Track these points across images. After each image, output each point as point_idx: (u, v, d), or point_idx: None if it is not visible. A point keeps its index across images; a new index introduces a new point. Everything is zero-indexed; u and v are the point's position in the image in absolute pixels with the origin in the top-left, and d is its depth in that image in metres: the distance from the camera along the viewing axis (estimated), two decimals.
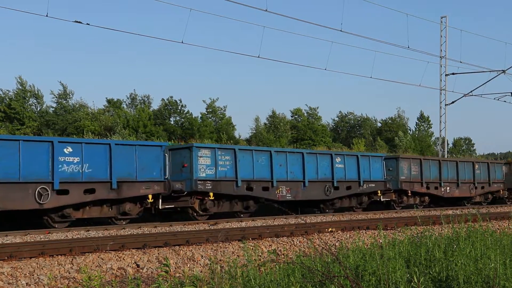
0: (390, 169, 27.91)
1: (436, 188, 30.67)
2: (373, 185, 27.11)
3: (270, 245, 13.32)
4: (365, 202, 27.31)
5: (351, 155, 26.93)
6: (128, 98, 54.11)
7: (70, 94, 48.37)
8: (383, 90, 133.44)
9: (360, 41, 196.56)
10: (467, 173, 32.71)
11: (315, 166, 24.80)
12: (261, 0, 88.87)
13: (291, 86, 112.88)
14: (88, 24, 19.16)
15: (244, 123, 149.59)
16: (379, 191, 27.33)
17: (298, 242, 13.90)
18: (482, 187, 33.88)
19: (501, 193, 35.27)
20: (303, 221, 19.67)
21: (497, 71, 38.26)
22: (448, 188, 31.19)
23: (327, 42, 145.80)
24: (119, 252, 11.54)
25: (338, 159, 25.75)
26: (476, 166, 33.52)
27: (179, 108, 50.62)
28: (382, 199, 27.72)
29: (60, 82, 57.46)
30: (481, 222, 12.30)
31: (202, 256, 11.78)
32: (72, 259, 10.66)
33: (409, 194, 29.03)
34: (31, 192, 16.98)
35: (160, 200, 20.04)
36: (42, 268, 9.90)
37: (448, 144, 43.66)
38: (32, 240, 13.88)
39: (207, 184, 21.01)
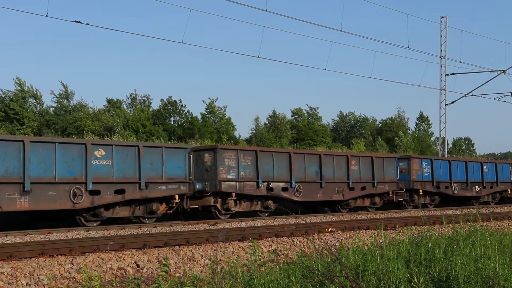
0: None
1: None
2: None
3: (270, 245, 13.31)
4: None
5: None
6: (128, 98, 54.17)
7: (71, 94, 48.43)
8: (383, 90, 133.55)
9: (360, 41, 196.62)
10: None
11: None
12: (261, 0, 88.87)
13: (291, 86, 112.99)
14: (88, 24, 19.19)
15: (244, 123, 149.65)
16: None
17: (298, 242, 13.90)
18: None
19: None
20: (303, 221, 19.67)
21: (497, 71, 38.27)
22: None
23: (327, 42, 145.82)
24: (119, 252, 11.54)
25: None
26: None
27: (179, 108, 50.62)
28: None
29: (61, 82, 57.48)
30: (481, 222, 12.30)
31: (202, 256, 11.77)
32: (72, 259, 10.66)
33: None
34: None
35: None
36: (42, 268, 9.89)
37: (448, 144, 43.63)
38: (32, 240, 13.88)
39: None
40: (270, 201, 23.58)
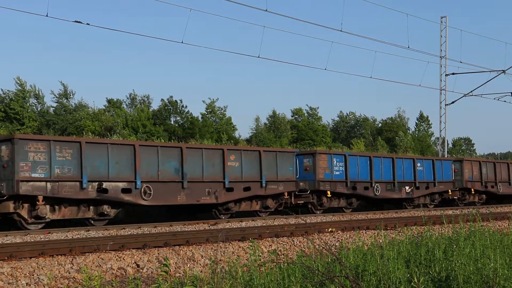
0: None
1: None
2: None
3: (270, 245, 13.31)
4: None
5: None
6: (128, 98, 54.17)
7: (71, 94, 48.46)
8: (383, 90, 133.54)
9: (360, 41, 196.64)
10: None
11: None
12: (261, 0, 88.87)
13: (291, 86, 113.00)
14: (88, 24, 19.19)
15: (244, 123, 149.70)
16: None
17: (298, 242, 13.90)
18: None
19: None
20: (303, 221, 19.67)
21: (497, 71, 38.29)
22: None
23: (327, 42, 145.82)
24: (119, 252, 11.54)
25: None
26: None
27: (179, 108, 50.63)
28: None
29: (61, 82, 57.47)
30: (481, 222, 12.31)
31: (202, 256, 11.78)
32: (72, 259, 10.66)
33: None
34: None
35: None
36: (42, 268, 9.89)
37: (448, 144, 43.63)
38: (32, 240, 13.88)
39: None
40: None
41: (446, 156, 39.61)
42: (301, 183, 24.36)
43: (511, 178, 35.19)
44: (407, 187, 29.04)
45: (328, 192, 25.18)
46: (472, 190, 32.32)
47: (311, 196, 24.73)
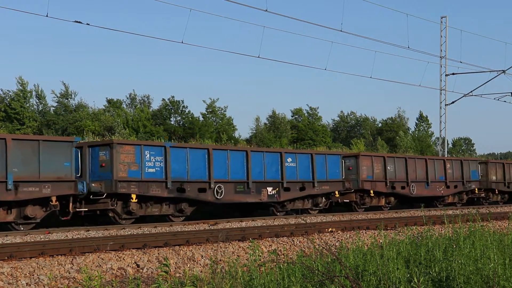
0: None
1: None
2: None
3: (270, 245, 13.32)
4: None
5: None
6: (128, 98, 54.17)
7: (72, 94, 48.49)
8: (383, 90, 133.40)
9: (360, 41, 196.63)
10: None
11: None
12: (261, 0, 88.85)
13: (291, 86, 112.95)
14: (88, 24, 19.20)
15: (244, 123, 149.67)
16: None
17: (298, 242, 13.90)
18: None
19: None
20: (303, 221, 19.68)
21: (497, 71, 38.26)
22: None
23: (327, 42, 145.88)
24: (119, 252, 11.54)
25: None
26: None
27: (180, 108, 50.64)
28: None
29: (62, 82, 57.48)
30: (481, 222, 12.30)
31: (202, 256, 11.78)
32: (72, 259, 10.66)
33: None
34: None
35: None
36: (42, 268, 9.90)
37: (448, 144, 43.64)
38: (32, 240, 13.88)
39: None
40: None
41: (446, 156, 39.65)
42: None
43: None
44: (269, 188, 27.65)
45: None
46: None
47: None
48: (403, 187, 29.24)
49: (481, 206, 31.11)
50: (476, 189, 32.95)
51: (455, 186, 32.07)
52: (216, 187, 21.22)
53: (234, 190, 21.94)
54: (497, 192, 34.34)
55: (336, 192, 25.93)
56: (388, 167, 28.39)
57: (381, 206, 28.40)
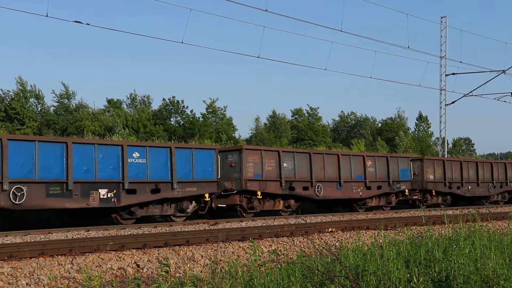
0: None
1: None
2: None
3: (270, 245, 13.32)
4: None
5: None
6: (128, 98, 54.16)
7: (73, 95, 48.49)
8: (383, 90, 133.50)
9: (360, 41, 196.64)
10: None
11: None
12: (261, 0, 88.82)
13: (291, 86, 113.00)
14: (88, 24, 19.19)
15: (244, 123, 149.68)
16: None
17: (298, 242, 13.90)
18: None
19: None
20: (303, 221, 19.68)
21: (497, 71, 38.24)
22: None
23: (327, 42, 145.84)
24: (119, 252, 11.54)
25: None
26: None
27: (181, 108, 50.65)
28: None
29: (62, 82, 57.47)
30: (481, 222, 12.31)
31: (202, 256, 11.78)
32: (72, 259, 10.66)
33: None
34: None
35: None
36: (42, 268, 9.90)
37: (448, 144, 43.61)
38: (32, 240, 13.88)
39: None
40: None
41: (446, 156, 39.65)
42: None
43: None
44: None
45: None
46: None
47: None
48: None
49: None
50: (407, 190, 28.90)
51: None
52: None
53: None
54: (434, 194, 30.49)
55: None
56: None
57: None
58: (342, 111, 69.84)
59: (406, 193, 28.68)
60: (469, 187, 32.23)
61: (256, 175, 22.35)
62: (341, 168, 25.38)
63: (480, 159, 40.52)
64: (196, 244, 12.83)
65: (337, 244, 13.65)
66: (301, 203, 24.73)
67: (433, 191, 29.79)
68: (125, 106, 51.99)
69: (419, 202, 29.38)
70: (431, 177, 30.11)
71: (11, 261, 10.28)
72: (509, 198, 35.38)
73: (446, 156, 39.73)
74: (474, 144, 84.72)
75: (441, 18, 40.60)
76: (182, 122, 50.10)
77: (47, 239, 14.09)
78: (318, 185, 24.35)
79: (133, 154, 19.18)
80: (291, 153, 24.10)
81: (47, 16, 17.82)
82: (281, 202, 23.68)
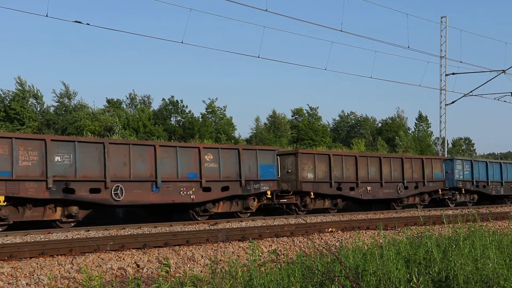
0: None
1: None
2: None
3: (270, 245, 13.32)
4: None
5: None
6: (127, 98, 54.16)
7: (73, 94, 48.49)
8: (383, 90, 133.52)
9: (360, 41, 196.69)
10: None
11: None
12: (261, 0, 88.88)
13: (291, 86, 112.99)
14: (88, 24, 19.20)
15: (244, 123, 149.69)
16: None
17: (298, 242, 13.90)
18: None
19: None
20: (303, 221, 19.68)
21: (497, 71, 38.28)
22: None
23: (327, 42, 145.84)
24: (119, 252, 11.54)
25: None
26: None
27: (181, 108, 50.64)
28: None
29: (63, 82, 57.51)
30: (481, 222, 12.31)
31: (202, 256, 11.78)
32: (72, 259, 10.66)
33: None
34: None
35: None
36: (42, 268, 9.90)
37: (448, 144, 43.63)
38: (32, 240, 13.88)
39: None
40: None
41: (446, 156, 39.68)
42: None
43: None
44: None
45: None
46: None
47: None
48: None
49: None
50: (269, 191, 23.35)
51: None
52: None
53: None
54: (312, 196, 25.01)
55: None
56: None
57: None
58: (342, 111, 69.87)
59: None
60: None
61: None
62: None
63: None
64: (196, 244, 12.83)
65: (337, 244, 13.66)
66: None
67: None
68: (125, 106, 52.01)
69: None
70: (310, 175, 26.78)
71: (11, 261, 10.28)
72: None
73: (446, 156, 39.77)
74: (474, 144, 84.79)
75: (441, 18, 40.66)
76: (182, 122, 50.10)
77: (47, 239, 14.09)
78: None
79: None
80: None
81: (47, 16, 17.83)
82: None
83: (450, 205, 31.86)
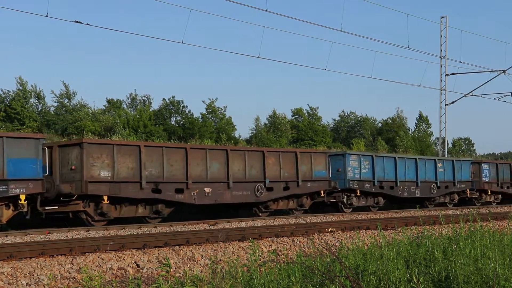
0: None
1: None
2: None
3: (270, 245, 13.32)
4: None
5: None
6: (128, 98, 54.13)
7: (73, 95, 48.47)
8: (383, 90, 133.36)
9: (360, 41, 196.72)
10: None
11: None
12: (261, 0, 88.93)
13: (291, 86, 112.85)
14: (88, 24, 19.21)
15: (244, 123, 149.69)
16: None
17: (298, 242, 13.91)
18: None
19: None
20: (303, 221, 19.68)
21: (497, 71, 38.28)
22: None
23: (327, 42, 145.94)
24: (119, 252, 11.55)
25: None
26: None
27: (181, 108, 50.63)
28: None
29: (63, 82, 57.47)
30: (481, 222, 12.29)
31: (202, 256, 11.78)
32: (72, 259, 10.66)
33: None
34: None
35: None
36: (42, 268, 9.90)
37: (448, 144, 43.63)
38: (32, 240, 13.89)
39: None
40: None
41: (446, 156, 39.69)
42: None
43: None
44: None
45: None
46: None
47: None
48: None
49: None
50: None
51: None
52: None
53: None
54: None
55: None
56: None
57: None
58: (342, 111, 69.81)
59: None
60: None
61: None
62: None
63: None
64: (196, 244, 12.83)
65: (337, 244, 13.66)
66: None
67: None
68: (125, 106, 51.99)
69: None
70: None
71: (11, 261, 10.28)
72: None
73: (445, 156, 39.77)
74: (474, 144, 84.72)
75: (441, 18, 40.65)
76: (182, 122, 50.09)
77: (47, 239, 14.09)
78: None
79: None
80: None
81: (47, 16, 17.85)
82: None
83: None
